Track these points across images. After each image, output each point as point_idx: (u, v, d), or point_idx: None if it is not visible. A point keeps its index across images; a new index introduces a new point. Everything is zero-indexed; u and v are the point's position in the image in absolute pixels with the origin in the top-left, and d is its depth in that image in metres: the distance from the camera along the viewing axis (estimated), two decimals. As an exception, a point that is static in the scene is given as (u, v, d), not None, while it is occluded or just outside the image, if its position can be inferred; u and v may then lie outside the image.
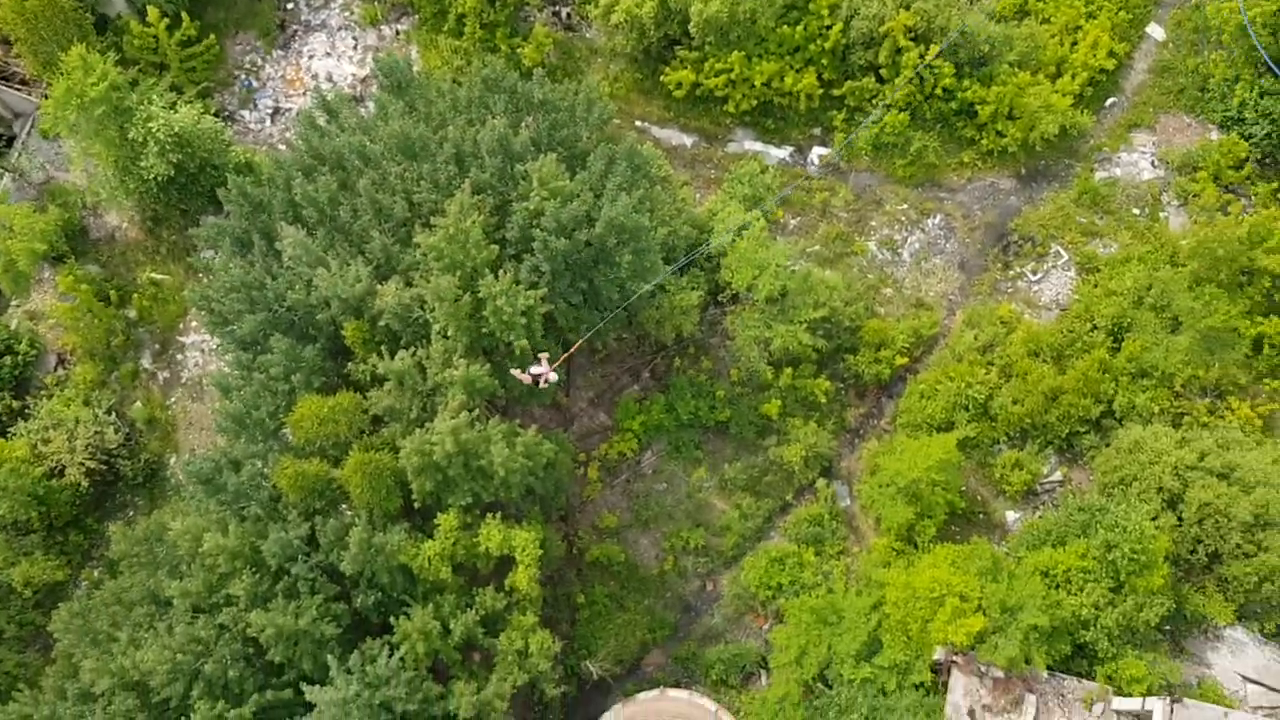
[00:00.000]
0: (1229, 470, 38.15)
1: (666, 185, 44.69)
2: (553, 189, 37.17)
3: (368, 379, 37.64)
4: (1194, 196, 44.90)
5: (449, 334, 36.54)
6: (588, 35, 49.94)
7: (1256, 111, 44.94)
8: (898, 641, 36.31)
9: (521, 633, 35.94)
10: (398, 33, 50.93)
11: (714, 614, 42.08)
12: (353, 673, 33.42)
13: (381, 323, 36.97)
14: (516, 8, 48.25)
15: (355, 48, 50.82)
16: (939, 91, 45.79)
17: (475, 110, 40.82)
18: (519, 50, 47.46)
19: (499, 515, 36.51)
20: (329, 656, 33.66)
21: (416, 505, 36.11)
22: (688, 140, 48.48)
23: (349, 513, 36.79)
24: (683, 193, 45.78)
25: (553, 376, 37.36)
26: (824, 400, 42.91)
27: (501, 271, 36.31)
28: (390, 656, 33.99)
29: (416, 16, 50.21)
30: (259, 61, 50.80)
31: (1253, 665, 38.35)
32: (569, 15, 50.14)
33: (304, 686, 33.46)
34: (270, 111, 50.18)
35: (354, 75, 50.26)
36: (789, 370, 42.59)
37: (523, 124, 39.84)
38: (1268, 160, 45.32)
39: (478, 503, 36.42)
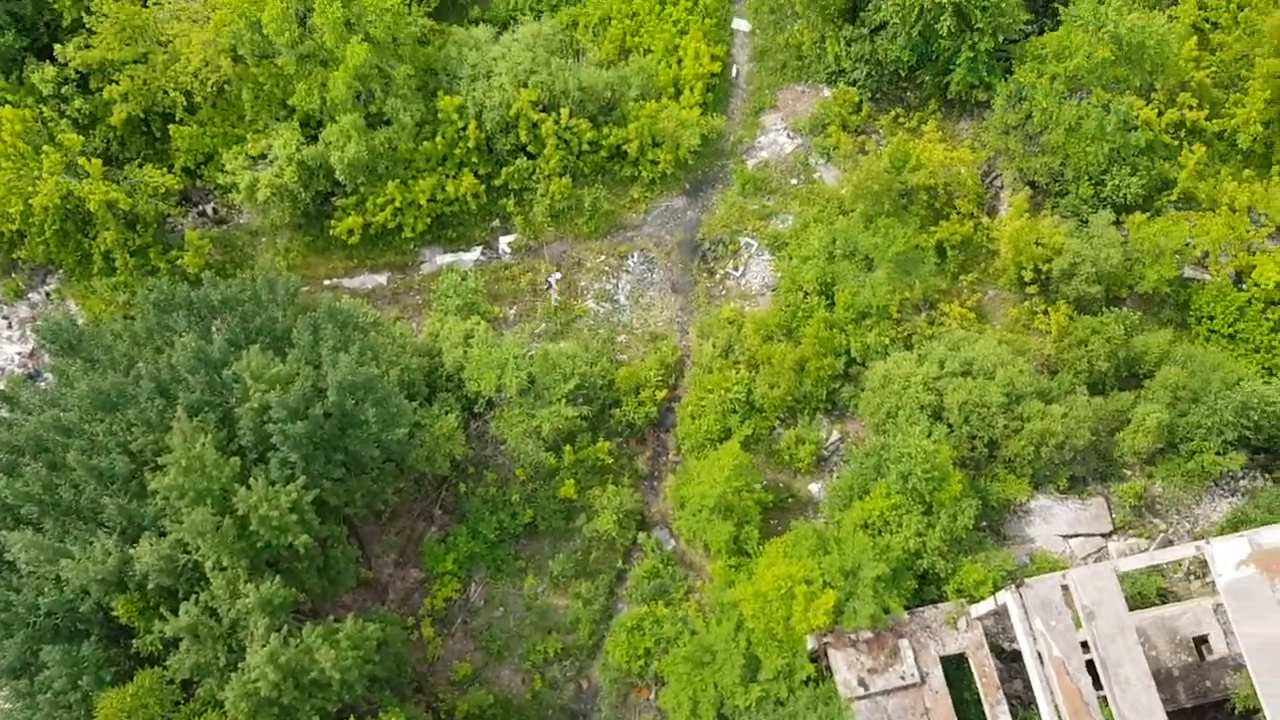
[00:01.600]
0: (968, 366, 41.88)
1: (380, 328, 44.42)
2: (269, 379, 36.13)
3: (160, 648, 34.99)
4: (834, 149, 49.12)
5: (225, 564, 34.63)
6: (242, 221, 49.00)
7: (851, 59, 49.84)
8: (772, 650, 37.33)
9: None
10: (48, 294, 48.06)
11: (600, 708, 41.69)
12: None
13: (151, 585, 34.54)
14: (159, 222, 46.69)
15: (9, 326, 47.55)
16: (585, 146, 48.03)
17: (158, 337, 39.15)
18: (179, 261, 45.92)
19: (353, 719, 34.77)
20: None
21: (266, 748, 33.82)
22: (381, 279, 48.40)
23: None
24: (398, 328, 45.65)
25: None
26: (611, 460, 43.73)
27: (252, 480, 34.84)
28: None
29: (61, 271, 47.63)
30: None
31: (1065, 522, 42.12)
32: (215, 209, 49.06)
33: None
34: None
35: (19, 354, 47.01)
36: (569, 447, 43.17)
37: (213, 330, 38.57)
38: (877, 95, 50.25)
39: (326, 718, 34.54)
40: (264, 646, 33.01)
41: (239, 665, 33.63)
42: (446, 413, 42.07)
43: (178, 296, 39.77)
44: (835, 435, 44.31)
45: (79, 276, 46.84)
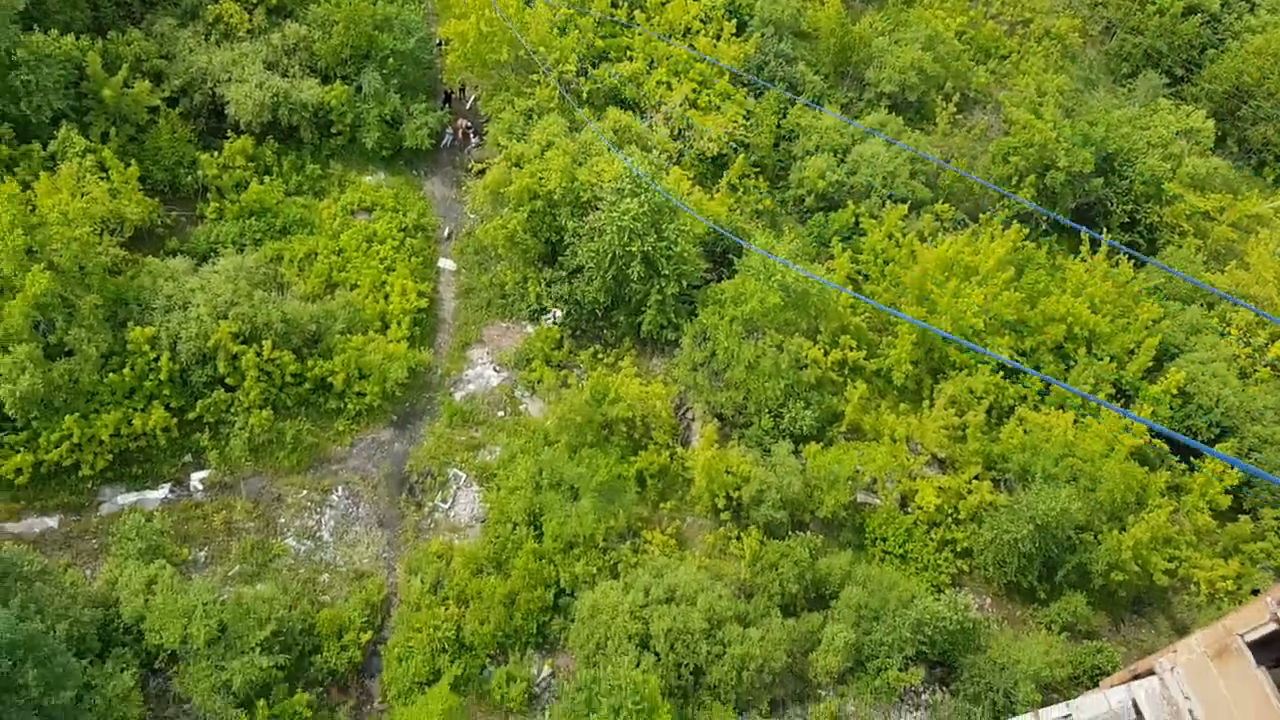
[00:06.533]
0: (671, 592, 43.35)
1: (47, 577, 40.19)
2: (-93, 646, 31.73)
3: None
4: (538, 383, 51.10)
5: None
6: (-118, 460, 43.68)
7: (551, 299, 52.77)
8: None
9: None
10: None
11: None
12: None
13: None
14: None
15: None
16: (289, 379, 47.26)
17: None
18: None
19: None
20: None
21: None
22: (52, 521, 44.20)
23: None
24: (69, 577, 41.47)
25: None
26: (310, 714, 40.91)
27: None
28: None
29: None
30: None
31: (768, 745, 43.46)
32: None
33: None
34: None
35: None
36: (262, 702, 40.10)
37: None
38: (577, 333, 53.21)
39: None
40: None
41: None
42: (122, 670, 38.28)
43: None
44: (547, 670, 43.98)
45: None
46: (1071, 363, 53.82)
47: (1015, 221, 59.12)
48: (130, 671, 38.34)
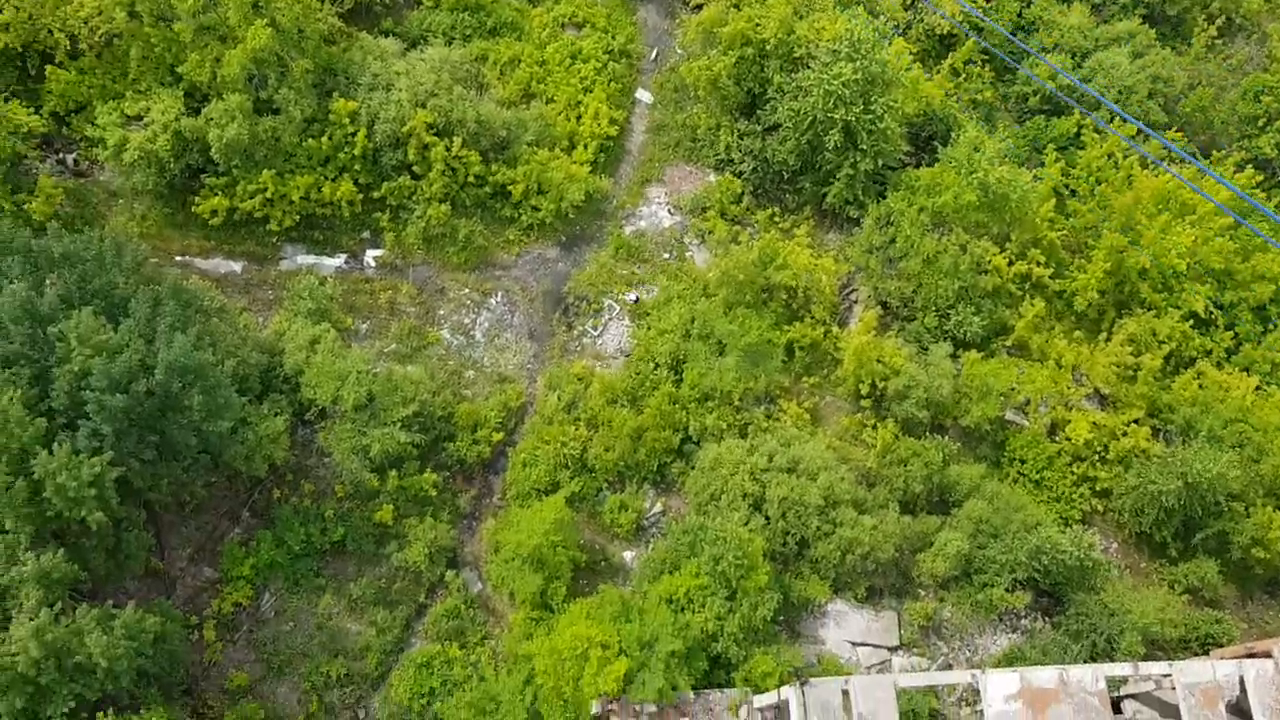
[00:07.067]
0: (795, 464, 43.44)
1: (224, 316, 43.17)
2: (96, 345, 34.71)
3: (-85, 601, 32.75)
4: (709, 234, 50.70)
5: (7, 528, 32.85)
6: (102, 178, 47.05)
7: (740, 151, 51.72)
8: (556, 708, 37.40)
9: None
10: (-124, 208, 44.89)
11: (372, 739, 40.93)
12: None
13: (-81, 534, 32.46)
14: (13, 163, 44.37)
15: None
16: (471, 179, 48.23)
17: (-14, 278, 37.08)
18: (26, 206, 43.66)
19: (111, 711, 33.17)
20: None
21: (9, 727, 31.95)
22: (236, 266, 47.11)
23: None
24: (244, 320, 44.46)
25: None
26: (434, 493, 43.34)
27: (56, 445, 33.22)
28: None
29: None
30: None
31: (856, 630, 43.75)
32: (76, 161, 46.98)
33: None
34: None
35: None
36: (394, 472, 42.61)
37: (46, 283, 36.80)
38: (759, 191, 52.20)
39: (83, 705, 32.88)
40: (32, 620, 31.31)
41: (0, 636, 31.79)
42: (276, 414, 41.03)
43: (16, 241, 37.80)
44: (658, 508, 45.13)
45: (-87, 198, 44.11)
46: (1272, 326, 50.00)
47: (1250, 166, 54.25)
48: (283, 417, 41.06)
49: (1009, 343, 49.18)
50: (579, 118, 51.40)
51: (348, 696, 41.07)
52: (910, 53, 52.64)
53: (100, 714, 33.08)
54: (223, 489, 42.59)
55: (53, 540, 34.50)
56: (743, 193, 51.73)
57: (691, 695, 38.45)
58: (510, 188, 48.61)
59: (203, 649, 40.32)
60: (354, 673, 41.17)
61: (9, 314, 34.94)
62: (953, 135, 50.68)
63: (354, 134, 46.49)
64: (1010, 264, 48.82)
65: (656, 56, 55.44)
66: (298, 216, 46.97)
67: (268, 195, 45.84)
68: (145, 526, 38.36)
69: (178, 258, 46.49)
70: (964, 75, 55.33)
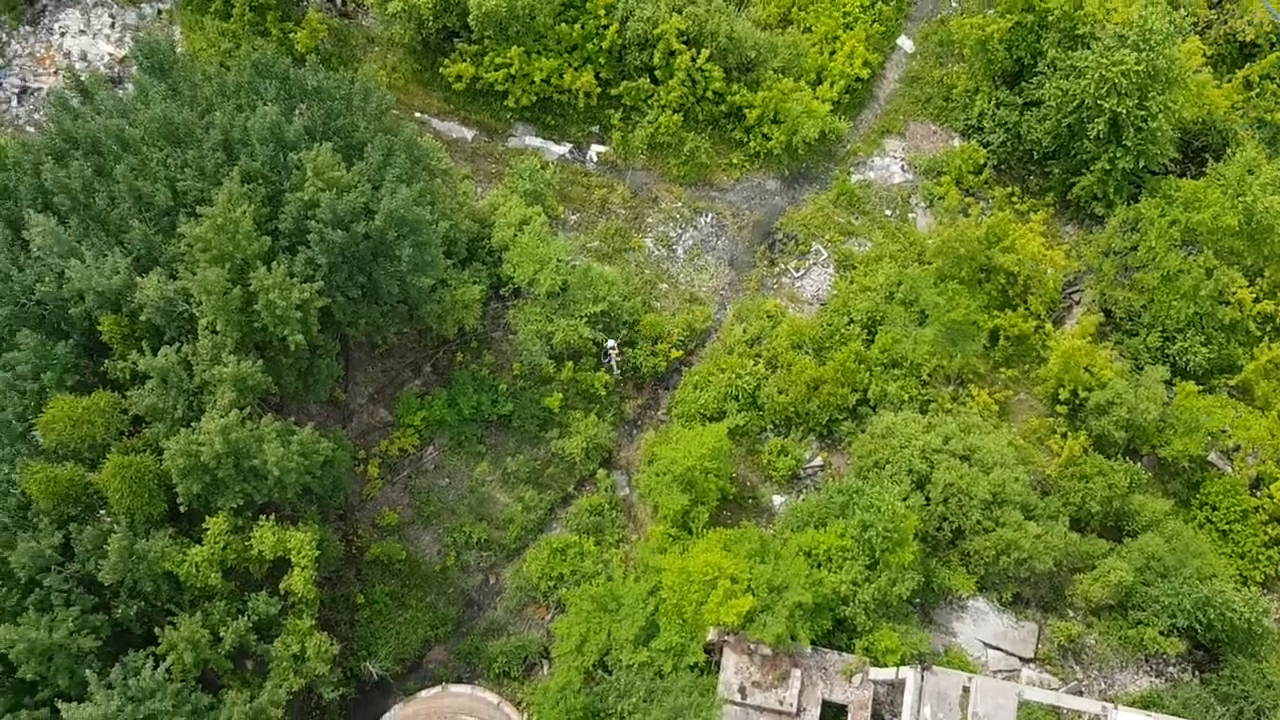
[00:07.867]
0: (970, 453, 41.78)
1: (447, 178, 44.51)
2: (328, 179, 36.34)
3: (127, 377, 35.66)
4: (939, 199, 48.65)
5: (218, 329, 35.18)
6: (364, 23, 48.95)
7: (994, 121, 49.12)
8: (674, 625, 37.81)
9: (298, 637, 35.10)
10: (159, 12, 48.23)
11: (496, 607, 42.38)
12: (114, 687, 31.74)
13: (142, 317, 35.15)
14: (288, -7, 46.74)
15: (113, 26, 47.77)
16: (710, 95, 47.65)
17: (244, 96, 39.29)
18: (291, 36, 45.96)
19: (273, 517, 35.52)
20: (87, 671, 31.82)
21: (183, 509, 34.63)
22: (468, 134, 48.39)
23: (107, 519, 34.79)
24: (464, 186, 45.71)
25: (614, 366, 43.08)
26: (604, 393, 43.95)
27: (274, 264, 35.21)
28: (155, 668, 32.46)
29: (178, -4, 47.81)
30: (3, 38, 46.94)
31: (992, 632, 42.21)
32: (344, 2, 48.96)
33: (60, 705, 31.48)
34: (17, 91, 46.57)
35: (110, 55, 47.23)
36: (570, 364, 43.38)
37: (296, 112, 38.66)
38: (1003, 166, 49.64)
39: (250, 505, 35.31)
40: (222, 417, 33.62)
41: (192, 425, 34.28)
42: (474, 283, 42.26)
43: (277, 66, 39.83)
44: (819, 461, 44.38)
45: (195, 9, 46.98)
46: None
47: None
48: (480, 287, 42.26)
49: (1233, 382, 45.52)
50: (833, 53, 49.84)
51: (484, 560, 42.71)
52: (1204, 54, 48.52)
53: (263, 517, 35.44)
54: (412, 341, 44.42)
55: (254, 350, 36.79)
56: (985, 164, 49.26)
57: (809, 649, 38.10)
58: (747, 111, 47.81)
59: (364, 483, 42.58)
60: (494, 540, 42.70)
61: (258, 133, 36.95)
62: (1228, 151, 46.69)
63: (606, 26, 46.55)
64: (1256, 300, 44.98)
65: (927, 7, 52.95)
66: (535, 98, 47.65)
67: (512, 71, 46.62)
68: (337, 358, 40.47)
69: (417, 114, 48.08)
70: (1258, 90, 50.56)
